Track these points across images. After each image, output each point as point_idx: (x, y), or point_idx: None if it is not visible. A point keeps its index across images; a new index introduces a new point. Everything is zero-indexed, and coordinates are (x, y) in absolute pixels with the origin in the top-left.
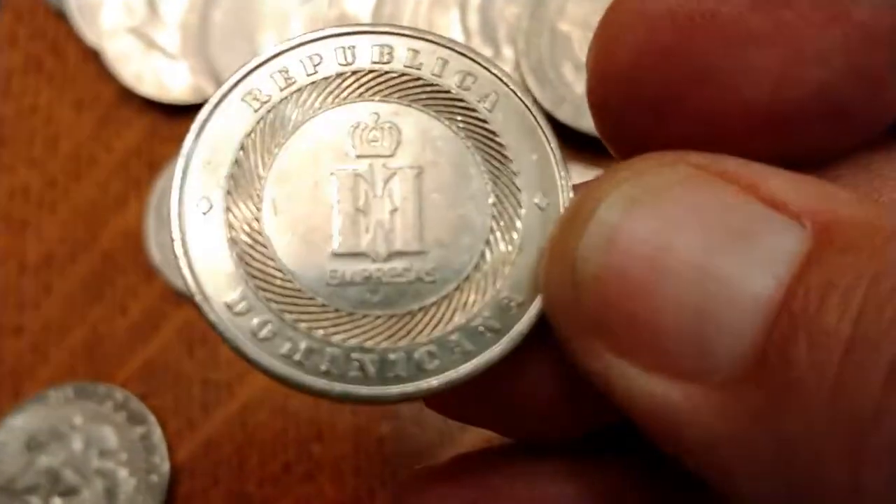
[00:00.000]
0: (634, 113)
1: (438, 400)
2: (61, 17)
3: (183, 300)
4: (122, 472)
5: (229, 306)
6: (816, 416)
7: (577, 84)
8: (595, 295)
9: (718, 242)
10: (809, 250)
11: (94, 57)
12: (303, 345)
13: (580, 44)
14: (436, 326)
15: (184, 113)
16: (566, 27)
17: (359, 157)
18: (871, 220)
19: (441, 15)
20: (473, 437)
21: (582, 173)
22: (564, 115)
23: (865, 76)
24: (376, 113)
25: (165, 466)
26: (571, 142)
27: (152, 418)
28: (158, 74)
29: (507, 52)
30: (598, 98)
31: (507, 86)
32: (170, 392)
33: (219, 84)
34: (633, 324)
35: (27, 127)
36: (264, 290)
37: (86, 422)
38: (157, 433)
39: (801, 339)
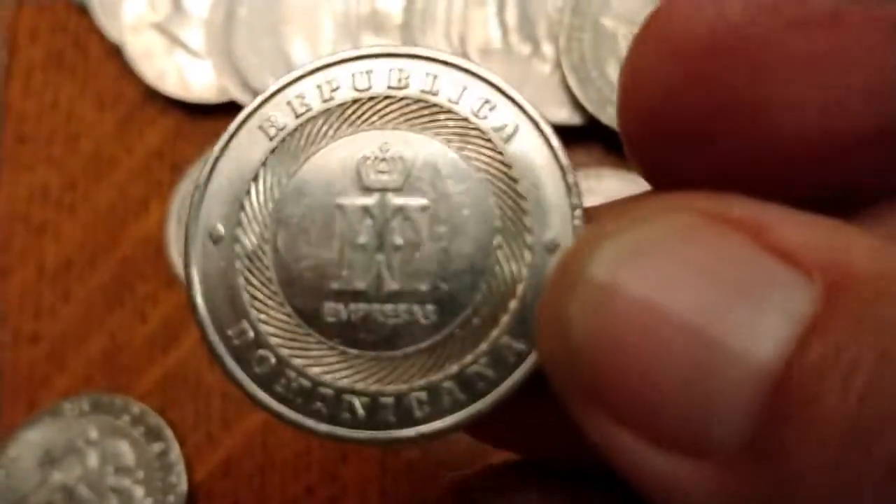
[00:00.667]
0: (666, 149)
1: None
2: (83, 10)
3: None
4: (139, 491)
5: (231, 338)
6: None
7: None
8: (589, 361)
9: (716, 304)
10: (816, 313)
11: (116, 53)
12: (296, 383)
13: (626, 40)
14: (429, 371)
15: (208, 113)
16: (611, 23)
17: (367, 189)
18: (890, 271)
19: (477, 9)
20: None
21: (627, 180)
22: (608, 119)
23: None
24: (387, 142)
25: (183, 487)
26: (617, 147)
27: (170, 434)
28: (182, 72)
29: (548, 49)
30: (628, 133)
31: (529, 116)
32: (189, 405)
33: (243, 83)
34: (628, 393)
35: (48, 125)
36: (265, 323)
37: (102, 436)
38: (175, 450)
39: (797, 421)
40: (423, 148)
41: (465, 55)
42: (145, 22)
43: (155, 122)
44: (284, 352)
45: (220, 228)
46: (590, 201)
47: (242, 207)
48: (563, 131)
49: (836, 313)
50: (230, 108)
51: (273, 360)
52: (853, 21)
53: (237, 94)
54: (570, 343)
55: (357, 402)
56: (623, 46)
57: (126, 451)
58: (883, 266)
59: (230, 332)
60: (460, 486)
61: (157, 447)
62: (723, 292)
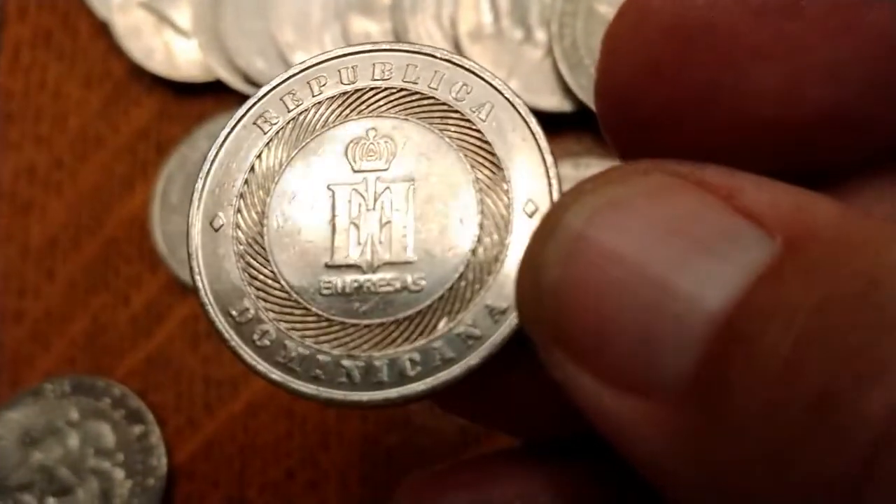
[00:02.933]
0: (638, 129)
1: (442, 398)
2: None
3: (188, 293)
4: (119, 474)
5: (233, 316)
6: (746, 443)
7: None
8: (554, 304)
9: (680, 255)
10: (770, 265)
11: (104, 31)
12: (295, 352)
13: None
14: (420, 334)
15: (193, 92)
16: (604, 8)
17: (356, 171)
18: (847, 234)
19: None
20: (484, 449)
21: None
22: None
23: (885, 88)
24: (374, 128)
25: (163, 470)
26: None
27: (151, 417)
28: (169, 51)
29: (540, 35)
30: (603, 113)
31: (503, 94)
32: (171, 388)
33: (230, 63)
34: (587, 335)
35: (35, 103)
36: (264, 300)
37: (82, 418)
38: (156, 433)
39: (738, 361)
40: (406, 132)
41: (455, 39)
42: (133, 0)
43: (140, 102)
44: (283, 325)
45: (221, 217)
46: None
47: (241, 196)
48: (553, 118)
49: (788, 267)
50: (216, 88)
51: (273, 333)
52: (811, 10)
53: (223, 74)
54: (541, 285)
55: (353, 367)
56: None
57: (107, 434)
58: (840, 229)
59: (233, 311)
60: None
61: (137, 430)
62: (684, 245)
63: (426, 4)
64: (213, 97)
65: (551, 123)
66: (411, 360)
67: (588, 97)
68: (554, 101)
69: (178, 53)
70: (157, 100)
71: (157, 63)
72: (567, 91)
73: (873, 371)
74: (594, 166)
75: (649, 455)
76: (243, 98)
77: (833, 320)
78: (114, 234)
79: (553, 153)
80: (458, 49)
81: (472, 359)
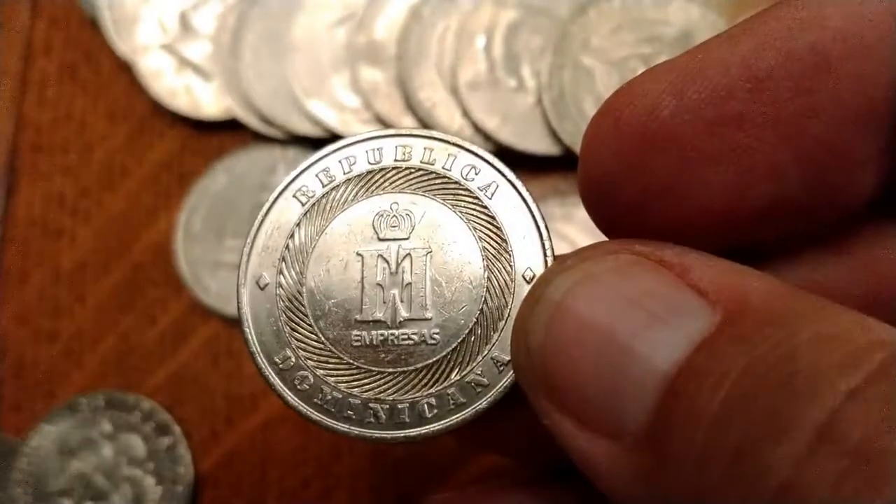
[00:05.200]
0: (613, 211)
1: (456, 435)
2: (95, 26)
3: (209, 315)
4: (150, 481)
5: (277, 363)
6: (683, 483)
7: None
8: (540, 362)
9: (639, 324)
10: (709, 334)
11: (127, 67)
12: (331, 396)
13: (602, 79)
14: (436, 382)
15: (212, 128)
16: (589, 61)
17: (381, 239)
18: (774, 308)
19: (467, 45)
20: (481, 462)
21: None
22: None
23: (823, 184)
24: (396, 202)
25: (189, 477)
26: None
27: (178, 429)
28: (191, 91)
29: (531, 83)
30: (585, 196)
31: (506, 177)
32: (196, 403)
33: (247, 104)
34: (566, 388)
35: (62, 135)
36: (304, 350)
37: (115, 430)
38: (183, 444)
39: (679, 414)
40: (424, 206)
41: (455, 87)
42: (155, 43)
43: (163, 135)
44: (320, 372)
45: (266, 277)
46: (567, 226)
47: (283, 259)
48: (542, 160)
49: (723, 335)
50: (234, 126)
51: (311, 378)
52: (756, 121)
53: (241, 114)
54: (529, 348)
55: (380, 409)
56: (600, 84)
57: (138, 445)
58: (770, 303)
59: (276, 359)
60: None
61: (166, 441)
62: (643, 315)
63: (428, 55)
64: (231, 134)
65: (540, 164)
66: (429, 404)
67: (573, 142)
68: (543, 145)
69: (198, 94)
70: (178, 134)
71: (179, 103)
72: (555, 136)
73: (780, 429)
74: (579, 205)
75: (615, 488)
76: (259, 136)
77: (753, 384)
78: (140, 260)
79: (548, 228)
80: (457, 96)
81: (481, 403)
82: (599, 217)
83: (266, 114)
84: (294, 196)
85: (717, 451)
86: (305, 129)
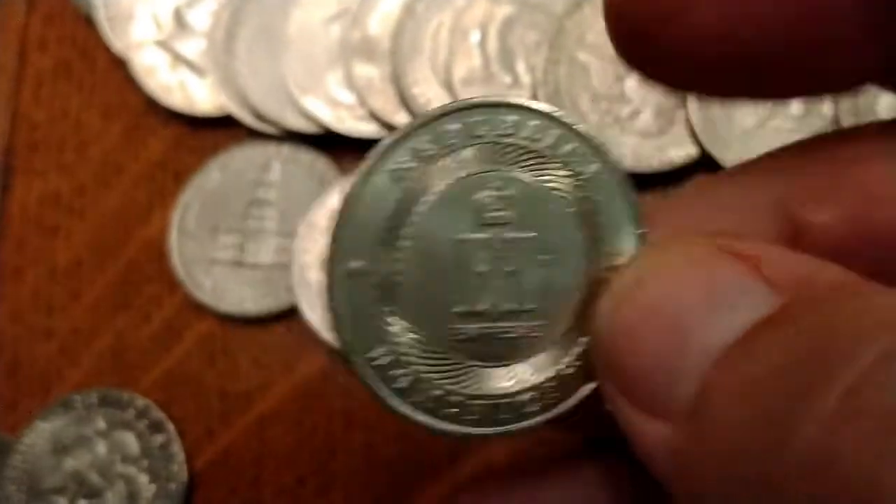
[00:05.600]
0: (635, 41)
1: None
2: (90, 22)
3: (203, 312)
4: (144, 478)
5: (371, 360)
6: (718, 459)
7: (592, 114)
8: (606, 344)
9: (703, 309)
10: (765, 317)
11: (121, 64)
12: (432, 393)
13: (598, 74)
14: (535, 375)
15: (207, 125)
16: (584, 57)
17: (482, 225)
18: (834, 294)
19: (461, 40)
20: (474, 459)
21: None
22: None
23: (809, 38)
24: (499, 183)
25: (183, 475)
26: None
27: (171, 427)
28: (185, 88)
29: (526, 79)
30: (612, 34)
31: (607, 162)
32: (190, 401)
33: (242, 101)
34: (628, 370)
35: (58, 132)
36: (398, 344)
37: (109, 428)
38: (177, 442)
39: (717, 387)
40: (528, 188)
41: (449, 83)
42: (150, 39)
43: (157, 133)
44: (422, 368)
45: (358, 265)
46: None
47: (377, 244)
48: None
49: (777, 317)
50: (229, 122)
51: (411, 376)
52: None
53: (235, 111)
54: (597, 331)
55: (481, 405)
56: (595, 80)
57: (132, 442)
58: (833, 292)
59: (371, 356)
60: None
61: (160, 439)
62: (708, 301)
63: (422, 51)
64: (226, 131)
65: None
66: (531, 399)
67: None
68: None
69: (193, 90)
70: (173, 131)
71: (173, 99)
72: None
73: (813, 390)
74: None
75: (668, 472)
76: (253, 132)
77: (794, 355)
78: (135, 257)
79: (644, 215)
80: (451, 92)
81: (577, 396)
82: (625, 49)
83: (260, 110)
84: (387, 172)
85: (749, 421)
86: (300, 125)
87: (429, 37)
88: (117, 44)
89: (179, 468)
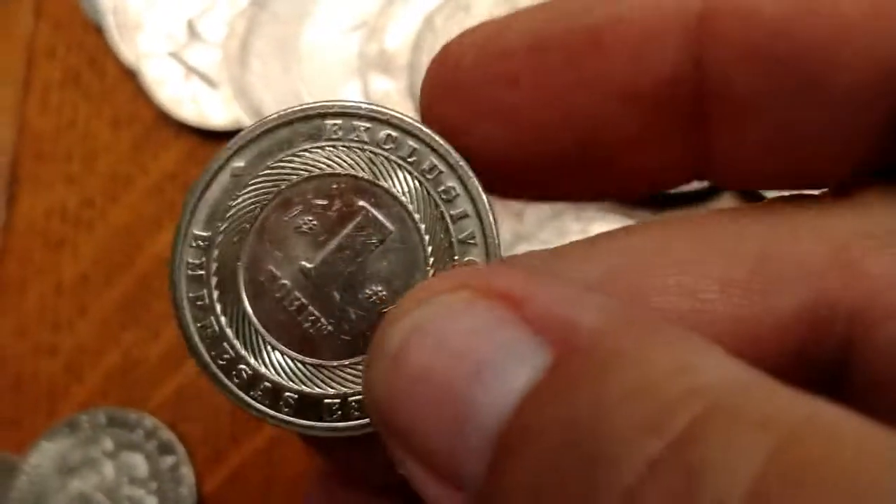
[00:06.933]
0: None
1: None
2: (99, 30)
3: None
4: (152, 501)
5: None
6: None
7: None
8: (384, 413)
9: (469, 374)
10: (537, 384)
11: (132, 74)
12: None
13: None
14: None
15: (220, 138)
16: None
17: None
18: (595, 352)
19: None
20: None
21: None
22: None
23: (601, 153)
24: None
25: (193, 498)
26: None
27: (181, 449)
28: (197, 100)
29: None
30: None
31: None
32: (200, 421)
33: (256, 114)
34: (413, 439)
35: (65, 143)
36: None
37: (117, 449)
38: (187, 464)
39: (505, 478)
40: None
41: None
42: (161, 50)
43: (169, 145)
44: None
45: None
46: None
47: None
48: None
49: (547, 386)
50: None
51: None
52: (527, 83)
53: (249, 124)
54: (374, 399)
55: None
56: None
57: (140, 464)
58: (598, 342)
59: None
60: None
61: (169, 460)
62: (472, 363)
63: None
64: None
65: None
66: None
67: None
68: None
69: (205, 103)
70: (184, 144)
71: (185, 112)
72: None
73: (582, 495)
74: (596, 220)
75: None
76: None
77: (565, 449)
78: (144, 272)
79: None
80: None
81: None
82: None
83: None
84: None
85: None
86: None
87: None
88: (127, 53)
89: (189, 491)
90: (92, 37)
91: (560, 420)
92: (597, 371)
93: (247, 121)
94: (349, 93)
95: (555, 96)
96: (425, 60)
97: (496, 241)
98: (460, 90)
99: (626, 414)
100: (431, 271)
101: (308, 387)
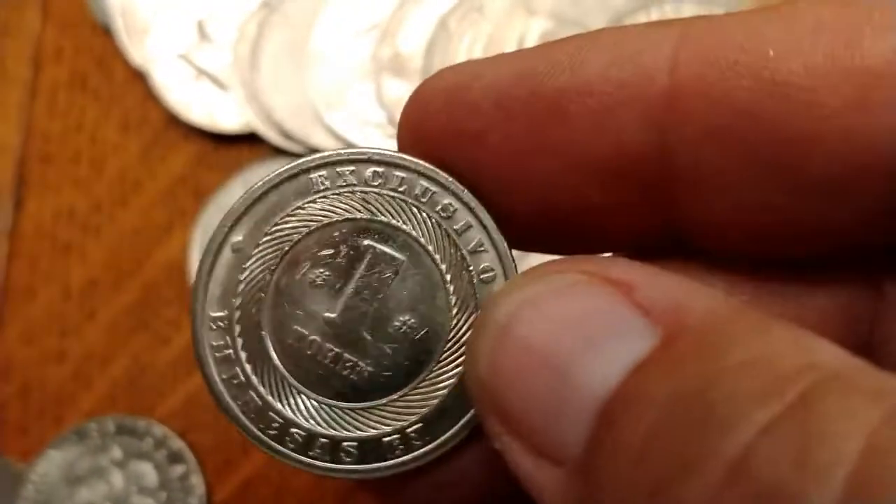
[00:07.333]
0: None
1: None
2: (108, 32)
3: None
4: None
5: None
6: None
7: None
8: (489, 386)
9: (578, 347)
10: (644, 359)
11: (140, 76)
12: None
13: None
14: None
15: (230, 141)
16: None
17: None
18: (707, 332)
19: None
20: None
21: None
22: None
23: (566, 217)
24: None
25: None
26: None
27: (192, 458)
28: (208, 103)
29: None
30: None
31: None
32: (210, 429)
33: (267, 117)
34: (514, 412)
35: (73, 146)
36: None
37: (126, 458)
38: (197, 473)
39: (608, 444)
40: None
41: None
42: (171, 52)
43: (178, 148)
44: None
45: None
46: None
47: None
48: None
49: (656, 360)
50: (251, 139)
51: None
52: (493, 143)
53: (260, 128)
54: (477, 372)
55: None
56: None
57: (149, 473)
58: (709, 324)
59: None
60: None
61: (178, 469)
62: (581, 337)
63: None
64: (249, 147)
65: None
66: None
67: None
68: None
69: (215, 106)
70: (194, 147)
71: (195, 114)
72: None
73: (695, 464)
74: None
75: None
76: (278, 150)
77: (675, 415)
78: (153, 278)
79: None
80: None
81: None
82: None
83: (286, 127)
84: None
85: (638, 485)
86: (326, 143)
87: (462, 53)
88: (136, 55)
89: (199, 501)
90: (100, 39)
91: (669, 390)
92: (711, 345)
93: (256, 124)
94: (362, 96)
95: (518, 158)
96: (438, 63)
97: (505, 246)
98: (428, 139)
99: (743, 382)
100: (452, 287)
101: (364, 431)
